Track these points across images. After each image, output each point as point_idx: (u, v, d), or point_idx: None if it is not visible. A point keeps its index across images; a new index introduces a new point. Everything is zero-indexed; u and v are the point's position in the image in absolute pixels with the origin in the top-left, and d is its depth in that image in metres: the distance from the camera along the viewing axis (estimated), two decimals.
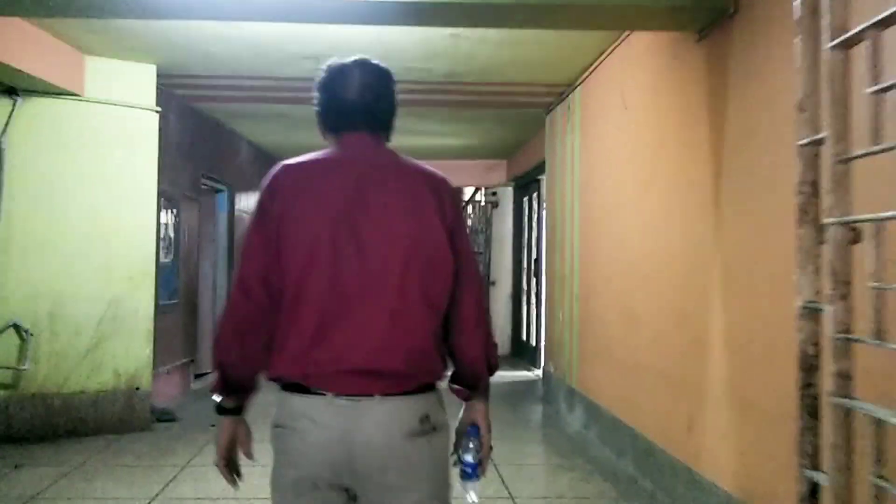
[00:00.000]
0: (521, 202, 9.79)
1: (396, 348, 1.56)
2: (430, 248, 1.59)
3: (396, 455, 1.55)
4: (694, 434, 3.52)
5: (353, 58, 1.70)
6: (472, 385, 1.73)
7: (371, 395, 1.54)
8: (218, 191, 8.14)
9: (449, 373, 1.72)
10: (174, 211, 6.46)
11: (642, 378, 4.21)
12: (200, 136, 7.19)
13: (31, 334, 5.06)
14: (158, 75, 5.57)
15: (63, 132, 5.21)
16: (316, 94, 1.72)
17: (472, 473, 1.69)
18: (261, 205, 1.64)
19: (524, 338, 9.62)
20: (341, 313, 1.55)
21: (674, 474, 3.69)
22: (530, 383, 7.91)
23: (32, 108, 5.10)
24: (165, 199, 6.12)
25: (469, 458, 1.68)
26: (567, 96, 5.99)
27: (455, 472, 1.68)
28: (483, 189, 11.00)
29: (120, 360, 5.42)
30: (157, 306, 5.69)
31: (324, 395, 1.55)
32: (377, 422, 1.54)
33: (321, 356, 1.55)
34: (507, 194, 10.13)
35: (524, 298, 9.70)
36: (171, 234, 6.43)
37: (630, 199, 4.50)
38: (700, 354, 3.47)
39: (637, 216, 4.36)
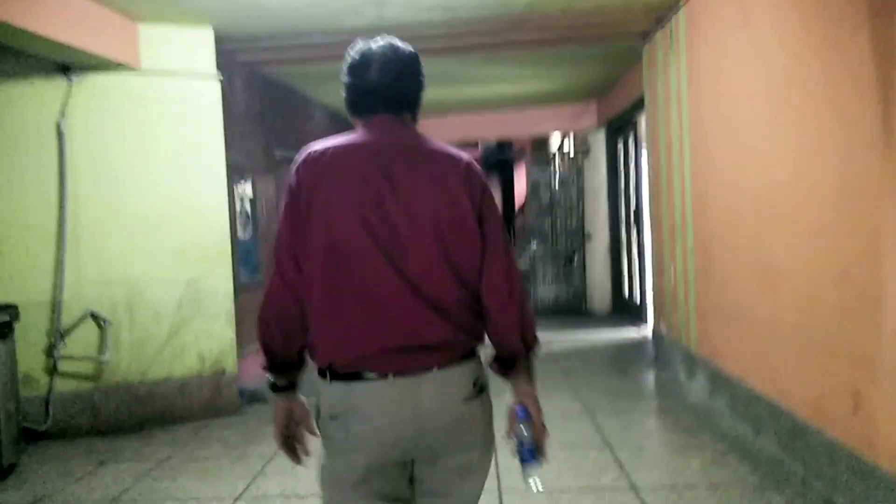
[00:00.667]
0: (616, 147, 9.01)
1: (440, 322, 1.59)
2: (459, 227, 1.61)
3: (457, 420, 1.61)
4: (862, 414, 2.85)
5: (378, 40, 1.70)
6: (510, 362, 1.72)
7: (430, 369, 1.59)
8: (292, 159, 7.80)
9: (489, 346, 1.73)
10: (249, 184, 6.15)
11: (785, 343, 3.54)
12: (270, 104, 6.83)
13: (110, 322, 4.86)
14: (217, 39, 5.19)
15: (122, 109, 4.91)
16: (342, 78, 1.73)
17: (531, 458, 1.64)
18: (289, 191, 1.65)
19: (626, 294, 8.94)
20: (381, 296, 1.57)
21: (834, 460, 3.05)
22: (637, 345, 7.28)
23: (88, 86, 4.82)
24: (237, 172, 5.80)
25: (525, 442, 1.64)
26: (668, 21, 5.20)
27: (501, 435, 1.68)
28: (572, 136, 10.25)
29: (203, 344, 5.18)
30: (237, 285, 5.41)
31: (385, 377, 1.57)
32: (439, 393, 1.59)
33: (371, 339, 1.57)
34: (598, 140, 9.36)
35: (624, 252, 8.99)
36: (248, 209, 6.13)
37: (760, 132, 3.76)
38: (868, 315, 2.78)
39: (771, 151, 3.63)
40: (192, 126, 5.09)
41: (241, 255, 5.78)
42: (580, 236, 9.67)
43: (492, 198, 1.67)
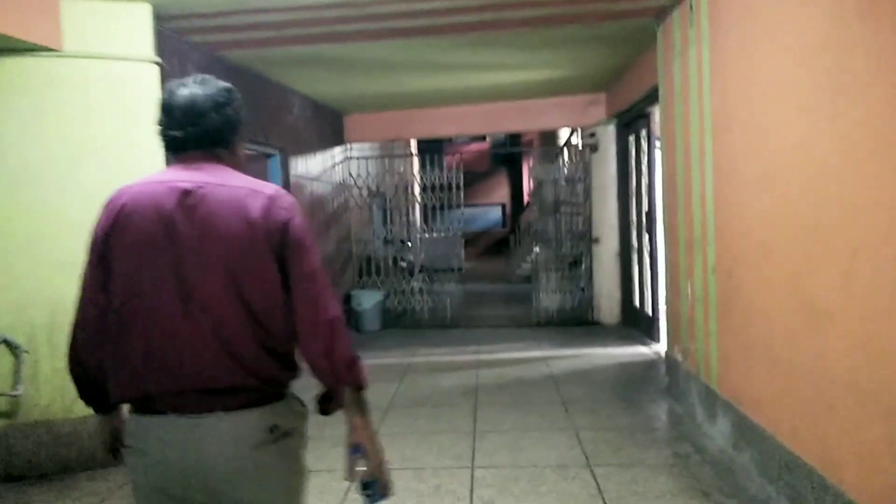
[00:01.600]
0: (627, 142, 8.20)
1: (230, 365, 1.59)
2: (250, 267, 1.62)
3: (247, 467, 1.59)
4: None
5: (188, 80, 1.75)
6: (332, 396, 1.71)
7: (213, 412, 1.59)
8: (268, 155, 7.06)
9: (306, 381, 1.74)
10: None
11: (836, 402, 2.75)
12: None
13: (26, 351, 4.14)
14: (157, 17, 4.44)
15: (41, 98, 4.16)
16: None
17: (374, 494, 1.66)
18: (94, 228, 1.71)
19: (637, 304, 8.15)
20: (169, 337, 1.59)
21: None
22: (648, 366, 6.50)
23: (2, 73, 4.09)
24: None
25: (365, 481, 1.65)
26: None
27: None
28: (579, 130, 9.44)
29: None
30: None
31: (167, 415, 1.60)
32: (223, 437, 1.58)
33: (157, 379, 1.60)
34: (608, 134, 8.55)
35: (635, 257, 8.19)
36: None
37: (803, 131, 2.96)
38: None
39: (816, 155, 2.84)
40: (125, 118, 4.33)
41: None
42: (587, 239, 8.88)
43: (300, 232, 1.67)
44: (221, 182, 1.67)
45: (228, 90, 1.75)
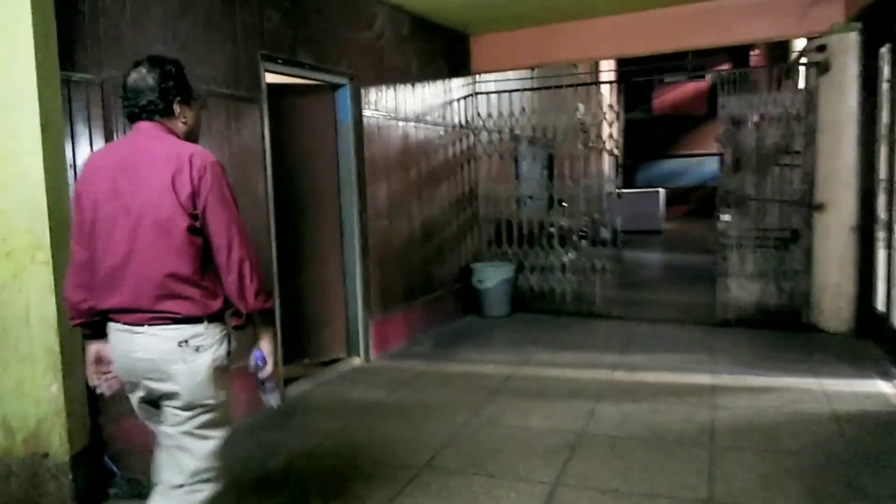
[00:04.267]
0: (876, 58, 5.24)
1: (151, 294, 2.09)
2: (163, 216, 2.07)
3: (160, 368, 2.12)
4: None
5: (142, 63, 2.23)
6: (245, 317, 2.19)
7: (141, 325, 2.12)
8: (334, 86, 5.27)
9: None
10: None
11: None
12: None
13: None
14: None
15: None
16: None
17: (264, 387, 2.27)
18: (76, 182, 2.45)
19: (879, 306, 5.29)
20: (111, 272, 2.13)
21: None
22: (884, 424, 3.84)
23: None
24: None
25: (260, 374, 2.24)
26: None
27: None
28: (804, 43, 6.46)
29: (8, 406, 2.97)
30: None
31: (117, 323, 2.18)
32: (146, 344, 2.11)
33: (111, 299, 2.14)
34: (846, 46, 5.59)
35: (881, 235, 5.30)
36: None
37: None
38: None
39: None
40: None
41: None
42: (806, 206, 6.03)
43: (216, 188, 2.09)
44: (154, 147, 2.14)
45: (165, 71, 2.20)
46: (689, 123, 21.33)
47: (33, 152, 2.90)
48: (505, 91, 7.30)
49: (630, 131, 20.14)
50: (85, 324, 2.26)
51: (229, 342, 2.21)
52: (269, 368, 2.24)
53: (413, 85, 6.18)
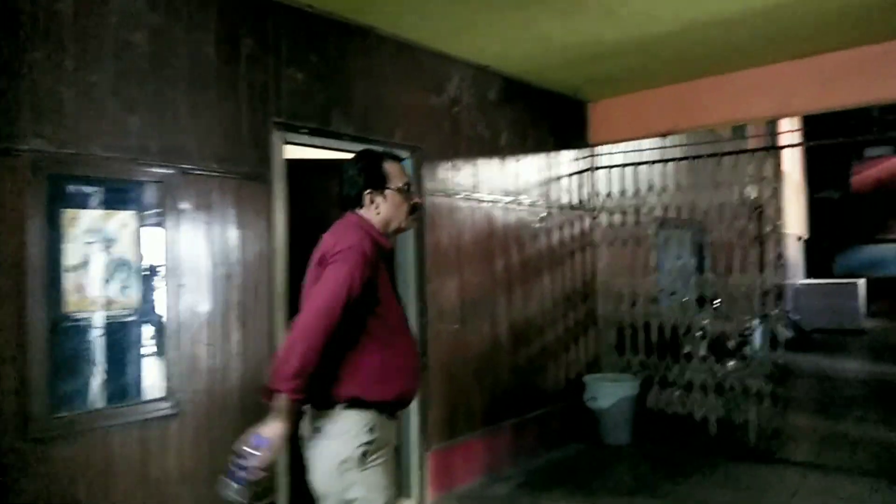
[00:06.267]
0: None
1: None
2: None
3: (305, 451, 2.24)
4: None
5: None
6: (270, 394, 2.05)
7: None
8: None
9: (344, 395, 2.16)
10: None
11: None
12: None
13: None
14: None
15: None
16: None
17: (235, 475, 1.92)
18: None
19: None
20: None
21: None
22: None
23: None
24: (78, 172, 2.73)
25: (245, 460, 1.92)
26: None
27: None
28: None
29: None
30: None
31: None
32: (304, 423, 2.25)
33: None
34: None
35: None
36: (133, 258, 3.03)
37: None
38: None
39: None
40: None
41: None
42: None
43: (333, 267, 2.10)
44: (330, 233, 2.27)
45: (352, 160, 2.37)
46: None
47: None
48: (635, 164, 6.00)
49: (819, 211, 17.48)
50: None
51: (370, 433, 2.15)
52: (258, 462, 1.97)
53: (502, 158, 5.11)
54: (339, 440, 2.13)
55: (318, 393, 2.12)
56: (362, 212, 2.32)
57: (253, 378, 3.46)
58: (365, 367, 2.15)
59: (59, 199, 2.83)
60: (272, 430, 2.01)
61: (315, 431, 2.16)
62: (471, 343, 4.76)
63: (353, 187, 2.32)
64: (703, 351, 5.66)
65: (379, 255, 2.22)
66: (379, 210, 2.32)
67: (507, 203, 5.11)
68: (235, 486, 1.92)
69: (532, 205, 5.37)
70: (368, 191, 2.31)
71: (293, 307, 3.70)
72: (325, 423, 2.15)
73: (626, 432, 5.58)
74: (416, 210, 2.42)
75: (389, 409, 2.23)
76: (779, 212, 5.66)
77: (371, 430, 2.15)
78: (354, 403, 2.14)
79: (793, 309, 12.58)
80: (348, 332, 2.12)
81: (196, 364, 3.26)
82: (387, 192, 2.32)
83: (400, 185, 2.34)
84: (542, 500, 4.44)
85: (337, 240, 2.17)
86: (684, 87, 5.58)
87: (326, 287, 2.08)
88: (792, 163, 13.59)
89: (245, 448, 1.96)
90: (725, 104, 5.46)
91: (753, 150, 5.75)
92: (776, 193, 5.59)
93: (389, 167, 2.35)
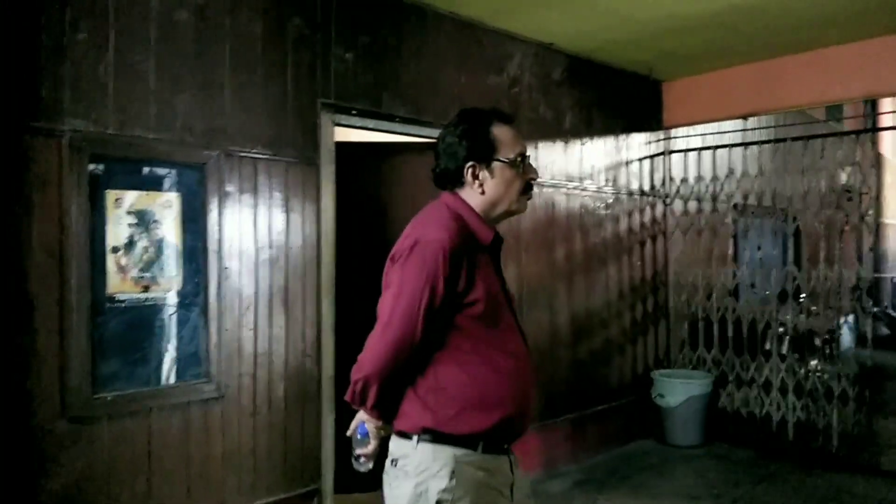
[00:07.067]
0: None
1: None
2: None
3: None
4: None
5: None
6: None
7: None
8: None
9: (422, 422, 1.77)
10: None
11: None
12: None
13: None
14: None
15: None
16: None
17: (358, 460, 1.94)
18: None
19: None
20: None
21: None
22: None
23: None
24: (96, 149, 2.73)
25: (358, 449, 1.92)
26: None
27: None
28: None
29: None
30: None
31: None
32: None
33: None
34: None
35: None
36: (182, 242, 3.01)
37: None
38: None
39: None
40: None
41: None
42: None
43: (399, 266, 1.72)
44: (415, 219, 1.84)
45: (451, 123, 1.86)
46: None
47: None
48: (714, 147, 5.62)
49: None
50: None
51: (450, 477, 1.70)
52: (369, 449, 1.90)
53: (566, 142, 4.88)
54: (411, 481, 1.72)
55: (396, 416, 1.80)
56: (462, 191, 1.85)
57: (296, 365, 3.41)
58: (448, 391, 1.73)
59: (101, 180, 2.82)
60: (364, 418, 1.89)
61: (392, 464, 1.78)
62: (528, 334, 4.56)
63: (452, 160, 1.82)
64: (784, 349, 5.28)
65: (475, 249, 1.78)
66: (484, 188, 1.83)
67: (570, 188, 4.88)
68: (362, 466, 1.96)
69: (598, 190, 5.11)
70: (471, 163, 1.81)
71: (341, 294, 3.66)
72: (401, 456, 1.76)
73: (695, 432, 5.27)
74: (530, 188, 1.89)
75: (486, 442, 1.75)
76: (874, 199, 5.14)
77: (452, 473, 1.69)
78: (432, 437, 1.72)
79: (892, 305, 11.73)
80: (430, 346, 1.74)
81: (240, 348, 3.23)
82: (495, 164, 1.81)
83: (512, 155, 1.82)
84: (598, 499, 4.23)
85: (414, 230, 1.76)
86: (768, 64, 5.17)
87: (395, 296, 1.70)
88: (894, 147, 12.59)
89: (359, 438, 1.91)
90: (813, 83, 5.03)
91: (845, 133, 5.28)
92: (871, 179, 5.09)
93: (499, 132, 1.82)
